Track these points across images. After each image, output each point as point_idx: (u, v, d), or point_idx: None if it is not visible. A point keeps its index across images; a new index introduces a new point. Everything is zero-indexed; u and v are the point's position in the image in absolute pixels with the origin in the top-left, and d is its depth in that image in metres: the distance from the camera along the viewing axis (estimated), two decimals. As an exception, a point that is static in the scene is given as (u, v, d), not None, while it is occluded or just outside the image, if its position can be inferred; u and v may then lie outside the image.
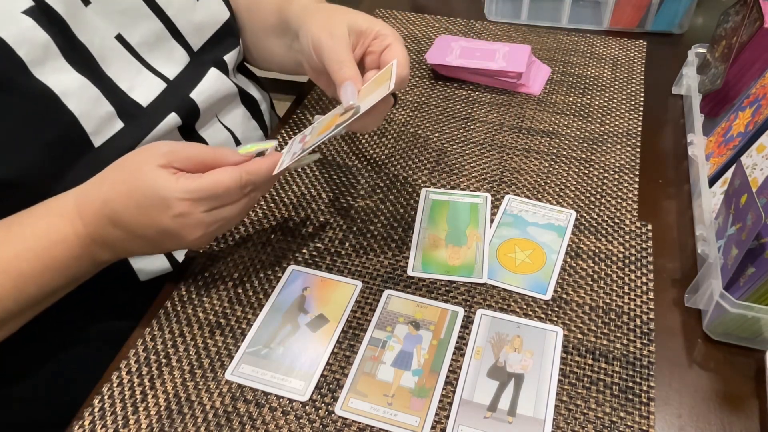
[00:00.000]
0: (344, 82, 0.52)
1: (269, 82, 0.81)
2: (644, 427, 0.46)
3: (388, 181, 0.67)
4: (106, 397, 0.49)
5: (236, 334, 0.52)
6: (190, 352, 0.51)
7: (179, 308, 0.55)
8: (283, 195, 0.65)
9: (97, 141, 0.54)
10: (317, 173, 0.68)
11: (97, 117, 0.54)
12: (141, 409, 0.48)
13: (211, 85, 0.65)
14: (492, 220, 0.62)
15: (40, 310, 0.51)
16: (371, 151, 0.71)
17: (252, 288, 0.56)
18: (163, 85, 0.60)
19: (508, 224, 0.62)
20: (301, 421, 0.47)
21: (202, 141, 0.66)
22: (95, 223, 0.49)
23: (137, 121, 0.57)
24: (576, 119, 0.75)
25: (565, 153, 0.70)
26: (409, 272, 0.57)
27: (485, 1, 0.93)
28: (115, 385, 0.49)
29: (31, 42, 0.49)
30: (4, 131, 0.49)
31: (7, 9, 0.49)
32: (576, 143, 0.71)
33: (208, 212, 0.49)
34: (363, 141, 0.72)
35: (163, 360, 0.51)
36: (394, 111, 0.76)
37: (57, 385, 0.62)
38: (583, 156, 0.69)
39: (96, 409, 0.48)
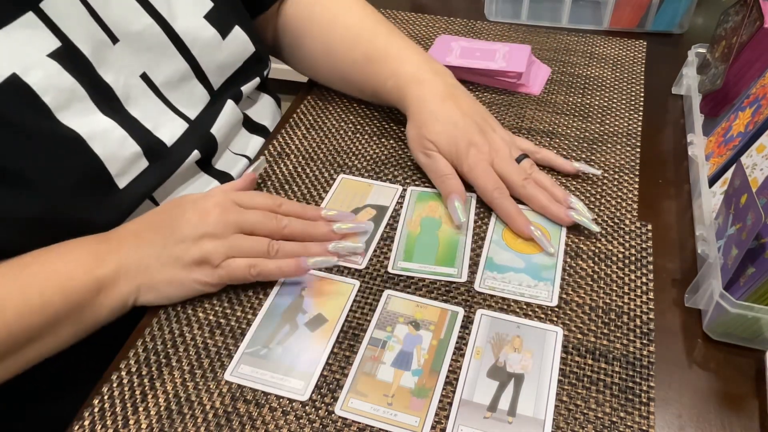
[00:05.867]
0: (450, 196, 0.60)
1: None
2: (644, 427, 0.46)
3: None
4: (106, 397, 0.49)
5: (236, 334, 0.53)
6: (190, 352, 0.51)
7: (179, 308, 0.55)
8: (282, 195, 0.65)
9: (122, 182, 0.54)
10: (317, 173, 0.68)
11: (122, 159, 0.54)
12: (141, 409, 0.48)
13: (228, 118, 0.65)
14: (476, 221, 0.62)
15: (39, 352, 0.49)
16: (371, 152, 0.71)
17: (251, 288, 0.56)
18: (185, 126, 0.60)
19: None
20: (301, 421, 0.47)
21: (220, 173, 0.66)
22: (114, 232, 0.54)
23: (162, 161, 0.58)
24: (576, 119, 0.75)
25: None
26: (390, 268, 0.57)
27: (485, 1, 0.93)
28: (115, 385, 0.49)
29: (56, 87, 0.49)
30: (30, 173, 0.48)
31: (33, 53, 0.48)
32: (576, 143, 0.71)
33: (233, 196, 0.55)
34: (363, 141, 0.72)
35: (163, 360, 0.51)
36: (394, 111, 0.76)
37: (57, 385, 0.62)
38: (583, 156, 0.69)
39: (96, 409, 0.48)
